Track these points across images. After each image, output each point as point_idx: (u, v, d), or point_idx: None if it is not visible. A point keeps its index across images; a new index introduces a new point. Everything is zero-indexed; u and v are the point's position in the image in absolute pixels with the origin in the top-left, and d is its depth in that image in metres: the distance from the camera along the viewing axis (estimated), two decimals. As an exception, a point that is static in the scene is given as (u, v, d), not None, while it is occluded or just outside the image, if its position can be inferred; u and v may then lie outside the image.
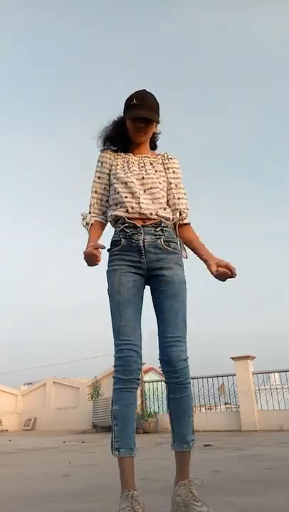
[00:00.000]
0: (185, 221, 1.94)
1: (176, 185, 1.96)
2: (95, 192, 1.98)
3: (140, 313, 1.83)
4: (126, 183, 1.87)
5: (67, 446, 6.48)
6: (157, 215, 1.86)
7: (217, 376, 10.02)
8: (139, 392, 10.45)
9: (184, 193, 1.97)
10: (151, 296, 1.87)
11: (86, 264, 1.79)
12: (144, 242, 1.81)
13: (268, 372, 9.59)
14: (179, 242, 1.91)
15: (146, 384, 10.77)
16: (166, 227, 1.87)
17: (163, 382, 9.98)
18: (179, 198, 1.94)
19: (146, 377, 11.01)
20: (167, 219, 1.89)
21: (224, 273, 1.79)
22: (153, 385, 10.76)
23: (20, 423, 14.38)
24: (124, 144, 1.98)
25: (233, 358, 9.71)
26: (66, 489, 2.59)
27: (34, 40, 26.19)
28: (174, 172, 1.97)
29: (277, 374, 9.74)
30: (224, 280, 1.82)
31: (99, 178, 1.98)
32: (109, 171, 1.96)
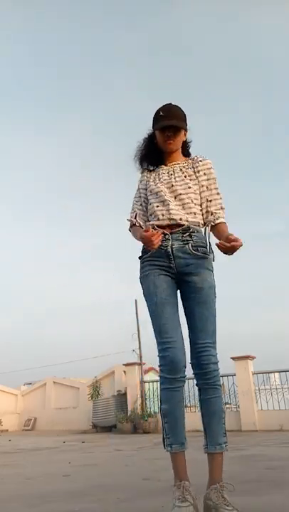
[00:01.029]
0: (217, 221, 1.94)
1: (207, 187, 1.98)
2: (137, 206, 2.05)
3: (178, 313, 1.86)
4: (156, 193, 1.94)
5: (67, 446, 6.48)
6: (187, 221, 1.89)
7: (217, 376, 10.01)
8: (139, 392, 10.46)
9: (217, 193, 1.98)
10: (181, 301, 1.90)
11: (147, 246, 1.80)
12: (172, 247, 1.85)
13: (268, 372, 9.59)
14: (208, 246, 1.91)
15: (146, 384, 10.76)
16: (195, 232, 1.89)
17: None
18: (210, 201, 1.96)
19: (146, 377, 11.00)
20: (196, 224, 1.91)
21: (231, 247, 1.72)
22: (153, 385, 10.75)
23: (21, 423, 14.37)
24: (157, 158, 2.05)
25: (233, 358, 9.70)
26: (66, 489, 2.60)
27: (34, 40, 26.19)
28: (204, 174, 1.99)
29: (277, 374, 9.73)
30: (231, 254, 1.75)
31: (140, 194, 2.05)
32: (146, 187, 2.03)
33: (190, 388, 10.14)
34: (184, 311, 1.88)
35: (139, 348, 10.67)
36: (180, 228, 1.87)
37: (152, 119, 2.01)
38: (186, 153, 2.10)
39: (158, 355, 1.79)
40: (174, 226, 1.88)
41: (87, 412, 11.84)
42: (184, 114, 2.00)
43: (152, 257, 1.87)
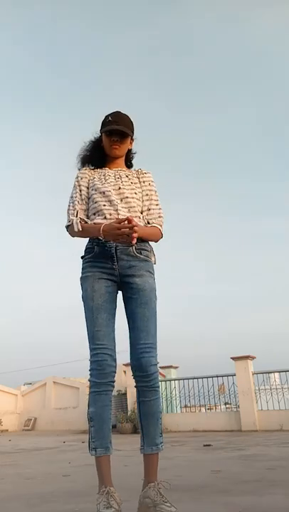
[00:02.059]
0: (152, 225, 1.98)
1: (149, 197, 2.02)
2: (78, 203, 1.99)
3: (114, 319, 1.88)
4: (104, 193, 1.94)
5: (67, 446, 6.48)
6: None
7: (217, 376, 10.01)
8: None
9: (156, 204, 2.03)
10: (123, 303, 1.91)
11: (110, 238, 1.80)
12: (116, 249, 1.86)
13: (268, 372, 9.59)
14: (151, 250, 1.96)
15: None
16: None
17: (161, 382, 9.83)
18: (149, 209, 2.00)
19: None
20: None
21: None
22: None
23: (21, 423, 14.37)
24: (100, 161, 2.06)
25: (233, 358, 9.70)
26: (66, 489, 2.60)
27: (34, 40, 26.18)
28: (149, 184, 2.05)
29: (277, 374, 9.74)
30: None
31: (81, 191, 2.01)
32: (88, 185, 2.02)
33: (190, 388, 10.20)
34: (126, 313, 1.89)
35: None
36: None
37: (101, 123, 2.04)
38: (128, 163, 2.13)
39: (89, 360, 1.81)
40: None
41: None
42: (132, 123, 2.03)
43: (95, 258, 1.88)
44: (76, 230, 1.90)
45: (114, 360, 1.81)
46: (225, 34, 26.25)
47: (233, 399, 9.76)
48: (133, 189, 1.97)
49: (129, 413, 10.18)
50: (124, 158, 2.09)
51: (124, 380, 11.18)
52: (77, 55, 27.89)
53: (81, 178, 2.03)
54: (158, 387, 1.83)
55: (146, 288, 1.85)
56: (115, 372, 1.82)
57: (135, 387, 1.85)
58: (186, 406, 10.29)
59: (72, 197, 2.02)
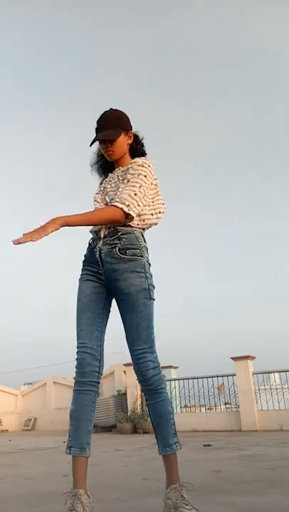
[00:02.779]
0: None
1: (126, 182, 1.87)
2: None
3: (100, 318, 1.85)
4: (94, 202, 1.99)
5: (67, 446, 6.47)
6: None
7: (217, 376, 10.02)
8: (139, 392, 10.45)
9: (131, 185, 1.83)
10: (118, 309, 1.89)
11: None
12: (100, 252, 1.84)
13: (268, 372, 9.59)
14: (141, 248, 1.83)
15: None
16: (125, 234, 1.82)
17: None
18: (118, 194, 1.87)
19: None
20: (125, 226, 1.83)
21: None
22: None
23: (21, 423, 14.37)
24: (109, 166, 2.06)
25: (233, 358, 9.70)
26: (66, 489, 2.59)
27: (34, 40, 26.18)
28: (131, 173, 1.88)
29: (277, 374, 9.73)
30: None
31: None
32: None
33: (190, 388, 10.19)
34: (121, 318, 1.87)
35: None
36: (108, 231, 1.85)
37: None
38: (137, 154, 2.02)
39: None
40: (105, 230, 1.85)
41: (87, 412, 11.84)
42: (119, 118, 1.95)
43: (86, 262, 1.91)
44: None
45: (98, 360, 1.78)
46: (225, 33, 26.23)
47: (233, 399, 9.76)
48: (118, 186, 1.92)
49: (129, 413, 10.18)
50: (127, 154, 2.01)
51: (124, 380, 11.18)
52: (77, 54, 27.88)
53: (95, 201, 2.03)
54: (162, 388, 1.80)
55: (131, 291, 1.77)
56: (98, 372, 1.79)
57: (142, 391, 1.86)
58: (186, 406, 10.29)
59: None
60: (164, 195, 1.99)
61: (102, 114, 1.97)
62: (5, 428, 13.91)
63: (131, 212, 1.78)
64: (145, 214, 1.88)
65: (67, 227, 1.68)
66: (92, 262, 1.87)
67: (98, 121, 1.96)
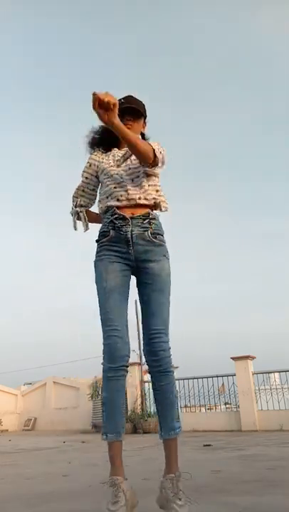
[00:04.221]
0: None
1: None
2: (83, 191, 2.09)
3: (126, 302, 1.87)
4: (112, 176, 1.94)
5: (67, 446, 6.48)
6: (146, 199, 1.90)
7: (217, 376, 10.02)
8: (139, 392, 10.46)
9: (156, 146, 1.91)
10: (137, 288, 1.90)
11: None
12: (132, 233, 1.85)
13: (268, 372, 9.59)
14: (163, 234, 1.94)
15: (146, 384, 10.75)
16: (154, 219, 1.91)
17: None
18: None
19: (146, 377, 11.00)
20: (156, 205, 1.93)
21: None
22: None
23: (21, 423, 14.37)
24: (111, 143, 2.05)
25: (233, 358, 9.71)
26: (66, 489, 2.60)
27: (33, 40, 26.17)
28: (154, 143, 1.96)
29: (277, 374, 9.73)
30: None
31: (86, 178, 2.07)
32: (97, 172, 2.03)
33: (190, 388, 10.18)
34: (140, 298, 1.88)
35: (139, 348, 10.67)
36: (141, 212, 1.88)
37: None
38: None
39: (102, 343, 1.79)
40: (133, 208, 1.88)
41: (87, 412, 11.84)
42: (144, 105, 2.04)
43: (111, 242, 1.87)
44: (82, 219, 2.05)
45: (127, 343, 1.79)
46: (225, 33, 26.23)
47: (233, 399, 9.76)
48: (142, 167, 1.93)
49: (129, 413, 10.17)
50: None
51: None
52: (77, 54, 27.88)
53: (90, 165, 2.06)
54: (171, 371, 1.81)
55: (162, 274, 1.84)
56: (128, 356, 1.80)
57: (149, 372, 1.85)
58: (186, 406, 10.28)
59: (80, 184, 2.08)
60: (166, 195, 2.05)
61: (128, 95, 2.01)
62: (5, 428, 13.91)
63: (159, 156, 1.85)
64: (164, 201, 1.98)
65: (109, 127, 1.71)
66: (118, 241, 1.85)
67: (126, 98, 1.98)
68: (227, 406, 10.21)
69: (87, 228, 2.09)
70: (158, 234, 1.89)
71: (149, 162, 1.86)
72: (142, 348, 11.47)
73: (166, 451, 1.76)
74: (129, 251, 1.84)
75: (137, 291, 1.91)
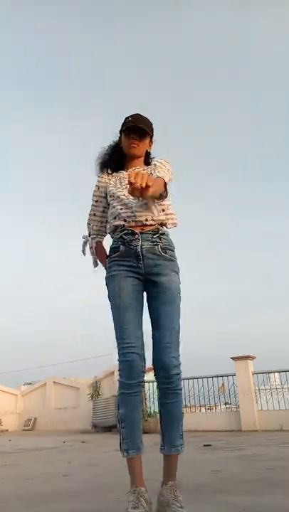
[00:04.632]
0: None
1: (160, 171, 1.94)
2: (94, 215, 2.11)
3: (141, 317, 1.86)
4: (119, 197, 1.94)
5: (67, 446, 6.47)
6: (153, 220, 1.89)
7: (217, 376, 10.01)
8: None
9: (166, 172, 1.94)
10: (147, 302, 1.89)
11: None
12: (141, 247, 1.85)
13: (268, 372, 9.58)
14: (174, 250, 1.94)
15: (146, 384, 10.75)
16: (164, 234, 1.91)
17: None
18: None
19: (146, 377, 10.97)
20: (163, 224, 1.93)
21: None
22: (153, 385, 10.75)
23: (21, 423, 14.37)
24: (119, 165, 2.06)
25: (233, 358, 9.70)
26: (66, 489, 2.60)
27: (33, 40, 26.16)
28: (160, 166, 1.97)
29: (277, 374, 9.73)
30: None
31: (96, 201, 2.10)
32: (105, 193, 2.04)
33: (190, 388, 10.18)
34: (150, 312, 1.87)
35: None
36: (150, 228, 1.88)
37: (121, 125, 2.02)
38: (147, 164, 2.07)
39: (118, 360, 1.79)
40: (142, 227, 1.88)
41: (87, 412, 11.83)
42: (151, 125, 2.03)
43: (121, 257, 1.87)
44: (84, 248, 2.13)
45: (143, 360, 1.79)
46: (225, 33, 26.23)
47: (233, 399, 9.76)
48: None
49: (129, 413, 10.17)
50: (142, 159, 2.05)
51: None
52: (76, 54, 27.86)
53: (98, 188, 2.08)
54: (180, 389, 1.80)
55: (172, 287, 1.83)
56: (144, 371, 1.80)
57: (157, 388, 1.83)
58: (186, 406, 10.27)
59: (91, 209, 2.12)
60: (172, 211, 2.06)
61: (135, 114, 2.01)
62: (5, 428, 13.91)
63: (168, 188, 1.85)
64: (172, 218, 1.97)
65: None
66: (128, 256, 1.85)
67: (133, 117, 1.98)
68: (227, 406, 10.21)
69: (96, 265, 2.12)
70: (168, 249, 1.89)
71: (159, 195, 1.83)
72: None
73: (166, 464, 1.78)
74: (140, 265, 1.84)
75: (147, 305, 1.90)
